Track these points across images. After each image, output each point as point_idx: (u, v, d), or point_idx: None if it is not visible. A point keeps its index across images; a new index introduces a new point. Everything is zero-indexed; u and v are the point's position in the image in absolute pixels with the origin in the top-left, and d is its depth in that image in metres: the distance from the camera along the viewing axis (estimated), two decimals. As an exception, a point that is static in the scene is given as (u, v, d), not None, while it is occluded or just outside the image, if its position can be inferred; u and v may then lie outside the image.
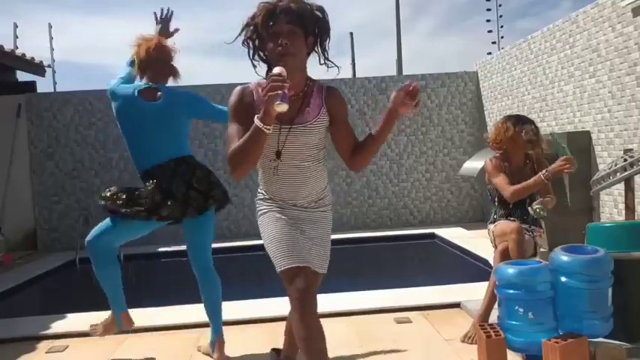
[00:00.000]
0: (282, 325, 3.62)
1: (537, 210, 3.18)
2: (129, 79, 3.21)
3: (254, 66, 2.17)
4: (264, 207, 2.26)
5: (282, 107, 1.88)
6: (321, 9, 2.12)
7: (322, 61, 2.17)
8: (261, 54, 2.15)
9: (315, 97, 2.16)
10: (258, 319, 3.79)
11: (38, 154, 7.74)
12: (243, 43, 2.14)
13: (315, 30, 2.10)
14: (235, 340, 3.43)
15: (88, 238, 3.11)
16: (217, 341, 3.14)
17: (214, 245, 3.32)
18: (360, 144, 2.19)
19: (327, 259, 2.32)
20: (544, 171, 3.17)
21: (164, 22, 3.31)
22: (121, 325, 3.26)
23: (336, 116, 2.18)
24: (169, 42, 3.23)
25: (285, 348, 2.73)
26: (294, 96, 2.08)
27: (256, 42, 2.12)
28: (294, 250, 2.12)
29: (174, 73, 3.23)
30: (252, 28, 2.10)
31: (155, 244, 7.26)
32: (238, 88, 2.16)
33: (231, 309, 3.98)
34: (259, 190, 2.32)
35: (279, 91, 1.85)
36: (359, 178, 7.90)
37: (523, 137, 3.32)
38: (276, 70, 1.92)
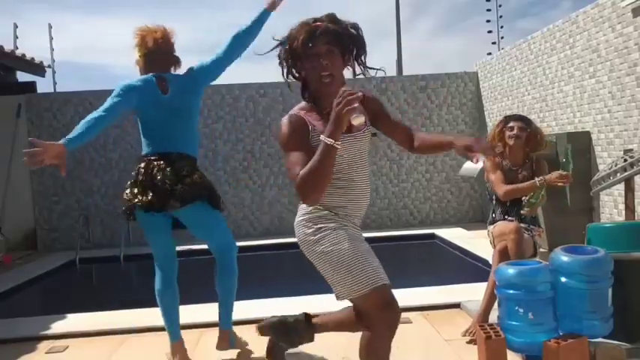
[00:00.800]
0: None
1: (526, 202, 3.26)
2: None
3: (288, 85, 2.23)
4: (322, 224, 2.11)
5: (359, 120, 1.88)
6: (355, 26, 2.17)
7: (358, 73, 2.21)
8: (294, 72, 2.18)
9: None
10: (260, 320, 3.78)
11: (38, 154, 7.73)
12: (280, 63, 2.17)
13: (350, 47, 2.15)
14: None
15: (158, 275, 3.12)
16: (220, 331, 3.17)
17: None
18: (429, 140, 2.28)
19: None
20: (540, 178, 3.23)
21: None
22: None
23: (377, 114, 2.27)
24: (169, 29, 3.12)
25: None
26: None
27: (289, 61, 2.15)
28: (379, 268, 2.05)
29: (178, 63, 3.17)
30: (289, 49, 2.13)
31: (155, 245, 7.25)
32: (285, 119, 2.11)
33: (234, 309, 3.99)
34: (310, 212, 2.16)
35: (356, 105, 1.86)
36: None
37: (506, 132, 3.45)
38: (343, 89, 1.91)
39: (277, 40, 2.19)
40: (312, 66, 2.07)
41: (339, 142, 1.90)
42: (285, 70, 2.18)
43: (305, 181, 1.92)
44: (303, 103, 2.17)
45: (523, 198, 3.36)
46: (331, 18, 2.12)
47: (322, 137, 1.90)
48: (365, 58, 2.21)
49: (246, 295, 3.60)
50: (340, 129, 1.89)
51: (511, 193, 3.33)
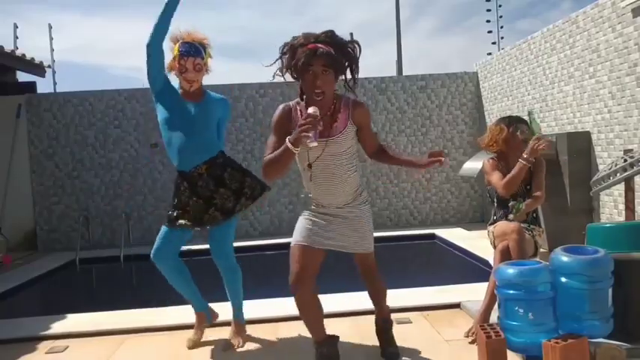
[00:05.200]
0: (284, 324, 3.63)
1: (512, 204, 3.27)
2: None
3: (283, 77, 2.57)
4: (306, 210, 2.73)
5: (313, 144, 2.29)
6: (354, 43, 2.54)
7: (346, 89, 2.61)
8: (292, 74, 2.52)
9: (343, 112, 2.58)
10: (260, 320, 3.79)
11: (38, 154, 7.74)
12: (280, 58, 2.53)
13: (344, 69, 2.53)
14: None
15: (152, 252, 3.24)
16: (234, 322, 3.44)
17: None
18: (387, 154, 2.78)
19: (364, 239, 2.71)
20: (523, 155, 3.19)
21: None
22: (210, 319, 3.52)
23: (360, 125, 2.63)
24: (200, 34, 3.25)
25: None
26: (324, 114, 2.49)
27: (287, 68, 2.51)
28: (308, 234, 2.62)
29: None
30: (291, 61, 2.47)
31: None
32: (281, 105, 2.63)
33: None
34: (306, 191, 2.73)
35: (311, 133, 2.25)
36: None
37: (519, 137, 3.37)
38: (311, 110, 2.32)
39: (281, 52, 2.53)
40: (308, 82, 2.45)
41: (298, 149, 2.32)
42: (282, 70, 2.52)
43: (265, 165, 2.47)
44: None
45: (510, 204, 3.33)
46: (330, 36, 2.45)
47: (287, 140, 2.34)
48: (357, 72, 2.59)
49: (246, 295, 3.60)
50: (299, 141, 2.30)
51: (509, 184, 3.26)
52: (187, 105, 3.21)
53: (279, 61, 2.53)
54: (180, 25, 3.24)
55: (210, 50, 3.27)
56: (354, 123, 2.59)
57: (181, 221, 3.20)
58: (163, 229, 3.26)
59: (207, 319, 3.50)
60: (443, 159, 2.53)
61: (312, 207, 2.69)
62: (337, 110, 2.56)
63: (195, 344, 3.37)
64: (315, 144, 2.29)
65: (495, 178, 3.36)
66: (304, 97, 2.56)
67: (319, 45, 2.40)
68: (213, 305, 3.62)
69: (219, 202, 3.20)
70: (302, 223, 2.67)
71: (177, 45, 3.17)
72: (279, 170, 2.44)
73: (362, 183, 2.79)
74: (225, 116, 3.43)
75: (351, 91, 2.61)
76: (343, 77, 2.57)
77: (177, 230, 3.22)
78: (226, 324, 3.68)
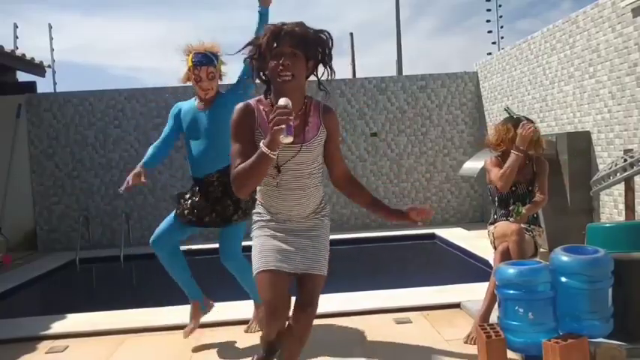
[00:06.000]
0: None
1: (512, 209, 3.29)
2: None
3: (260, 81, 2.25)
4: (257, 218, 2.35)
5: (287, 139, 1.95)
6: (324, 32, 2.20)
7: (321, 88, 2.25)
8: (261, 74, 2.22)
9: (313, 115, 2.25)
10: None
11: (38, 154, 7.74)
12: (245, 60, 2.25)
13: (316, 55, 2.19)
14: (236, 340, 3.44)
15: (152, 239, 3.35)
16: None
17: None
18: (360, 189, 2.40)
19: (321, 260, 2.30)
20: (515, 147, 3.20)
21: None
22: (205, 308, 3.55)
23: (329, 132, 2.28)
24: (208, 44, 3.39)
25: None
26: (295, 113, 2.13)
27: (257, 62, 2.19)
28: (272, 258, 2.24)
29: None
30: (255, 48, 2.17)
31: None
32: (239, 105, 2.23)
33: (232, 309, 3.99)
34: (257, 204, 2.37)
35: (284, 125, 1.92)
36: (359, 178, 7.90)
37: (525, 129, 3.36)
38: (282, 101, 1.98)
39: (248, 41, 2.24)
40: (274, 64, 2.11)
41: (275, 153, 1.98)
42: (253, 72, 2.23)
43: (238, 177, 2.08)
44: (262, 96, 2.24)
45: (510, 207, 3.35)
46: (299, 24, 2.15)
47: (261, 145, 1.99)
48: (330, 66, 2.23)
49: (245, 295, 3.60)
50: (274, 142, 1.96)
51: (505, 176, 3.24)
52: (200, 115, 3.36)
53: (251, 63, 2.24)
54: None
55: (222, 57, 3.40)
56: (325, 128, 2.26)
57: (190, 217, 3.35)
58: (170, 217, 3.40)
59: (201, 308, 3.53)
60: (428, 214, 2.26)
61: (271, 225, 2.29)
62: (308, 113, 2.23)
63: (191, 332, 3.43)
64: (289, 139, 1.95)
65: (493, 174, 3.38)
66: (269, 93, 2.22)
67: (285, 27, 2.12)
68: (216, 305, 3.62)
69: (220, 208, 3.34)
70: (263, 242, 2.27)
71: (191, 56, 3.32)
72: (254, 180, 2.07)
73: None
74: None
75: (324, 91, 2.25)
76: (316, 77, 2.26)
77: (181, 222, 3.36)
78: (226, 324, 3.70)
